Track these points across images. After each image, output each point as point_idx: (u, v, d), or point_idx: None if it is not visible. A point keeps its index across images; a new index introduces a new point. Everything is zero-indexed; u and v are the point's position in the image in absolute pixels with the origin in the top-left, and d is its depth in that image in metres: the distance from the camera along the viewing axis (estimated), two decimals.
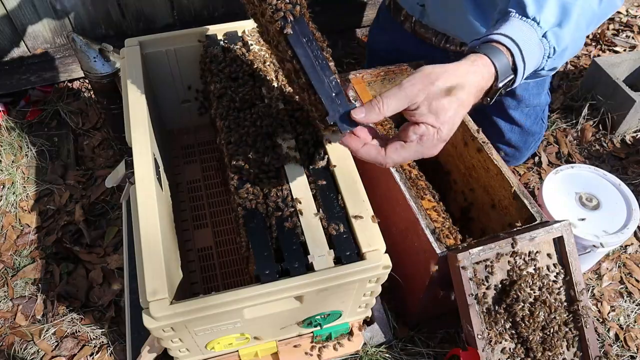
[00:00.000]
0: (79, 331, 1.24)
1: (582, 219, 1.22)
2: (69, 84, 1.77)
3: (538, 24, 0.74)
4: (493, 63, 0.71)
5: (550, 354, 0.97)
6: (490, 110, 1.38)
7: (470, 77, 0.69)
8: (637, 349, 1.27)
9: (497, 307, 0.96)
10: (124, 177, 0.99)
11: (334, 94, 0.68)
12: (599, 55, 2.01)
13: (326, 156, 0.92)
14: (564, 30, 0.74)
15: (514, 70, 0.73)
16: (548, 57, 0.76)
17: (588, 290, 1.37)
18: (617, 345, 1.28)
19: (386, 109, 0.65)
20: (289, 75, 0.81)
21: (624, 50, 2.03)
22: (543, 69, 0.78)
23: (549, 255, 0.99)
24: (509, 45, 0.71)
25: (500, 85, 0.73)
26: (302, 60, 0.68)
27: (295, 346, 1.04)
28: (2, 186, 1.50)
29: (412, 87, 0.66)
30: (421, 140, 0.67)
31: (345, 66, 1.93)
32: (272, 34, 0.75)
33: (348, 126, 0.68)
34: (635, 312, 1.34)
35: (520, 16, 0.74)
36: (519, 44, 0.72)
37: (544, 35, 0.74)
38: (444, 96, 0.66)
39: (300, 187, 0.88)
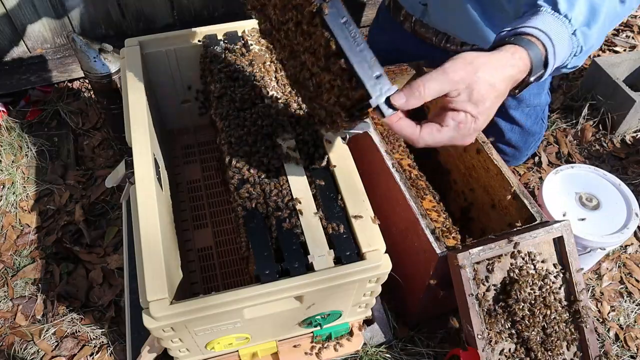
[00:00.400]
0: (79, 331, 1.24)
1: (582, 219, 1.22)
2: (69, 84, 1.77)
3: (569, 21, 0.73)
4: (530, 56, 0.70)
5: (550, 354, 0.96)
6: None
7: (509, 69, 0.69)
8: (637, 349, 1.27)
9: (497, 307, 0.96)
10: (124, 177, 0.99)
11: (375, 76, 0.64)
12: (599, 55, 2.01)
13: (326, 156, 0.92)
14: (592, 30, 0.74)
15: (545, 65, 0.73)
16: (574, 55, 0.75)
17: (588, 290, 1.37)
18: (617, 345, 1.28)
19: (427, 93, 0.64)
20: (295, 74, 0.79)
21: (624, 50, 2.03)
22: (566, 66, 0.77)
23: (549, 255, 0.99)
24: (543, 40, 0.71)
25: (532, 79, 0.73)
26: (340, 42, 0.64)
27: (295, 346, 1.04)
28: (2, 186, 1.50)
29: (455, 73, 0.65)
30: (458, 128, 0.67)
31: None
32: (295, 21, 0.71)
33: (391, 109, 0.65)
34: (635, 312, 1.34)
35: (552, 11, 0.74)
36: (553, 39, 0.71)
37: (574, 33, 0.74)
38: (485, 86, 0.66)
39: (300, 187, 0.88)
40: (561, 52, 0.73)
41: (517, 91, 0.75)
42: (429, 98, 0.65)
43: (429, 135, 0.67)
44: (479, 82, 0.65)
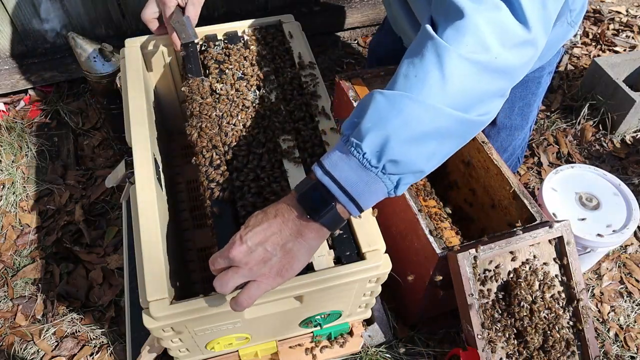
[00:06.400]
0: (79, 331, 1.24)
1: (582, 219, 1.22)
2: (69, 84, 1.77)
3: (342, 133, 0.67)
4: (294, 193, 0.67)
5: (550, 354, 0.97)
6: None
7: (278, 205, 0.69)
8: (637, 349, 1.27)
9: (497, 307, 0.96)
10: (124, 177, 0.99)
11: None
12: (599, 55, 2.01)
13: None
14: (362, 126, 0.62)
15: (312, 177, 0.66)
16: (357, 150, 0.62)
17: (588, 290, 1.37)
18: (617, 345, 1.28)
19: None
20: None
21: (624, 50, 2.04)
22: (373, 167, 0.62)
23: (549, 255, 0.99)
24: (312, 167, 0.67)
25: (300, 188, 0.66)
26: None
27: (295, 346, 1.04)
28: (2, 186, 1.50)
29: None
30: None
31: (345, 66, 1.93)
32: None
33: None
34: (635, 312, 1.34)
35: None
36: (322, 160, 0.65)
37: (347, 140, 0.64)
38: (258, 212, 0.70)
39: None
40: (336, 162, 0.63)
41: (314, 214, 0.65)
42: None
43: (215, 254, 0.69)
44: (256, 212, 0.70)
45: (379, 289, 0.90)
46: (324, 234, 0.68)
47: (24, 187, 1.50)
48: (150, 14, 0.99)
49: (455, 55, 0.61)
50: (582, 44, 2.07)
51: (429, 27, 0.65)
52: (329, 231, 0.67)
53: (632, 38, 2.09)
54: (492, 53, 0.62)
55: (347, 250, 0.81)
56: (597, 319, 1.32)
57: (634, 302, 1.36)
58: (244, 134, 0.94)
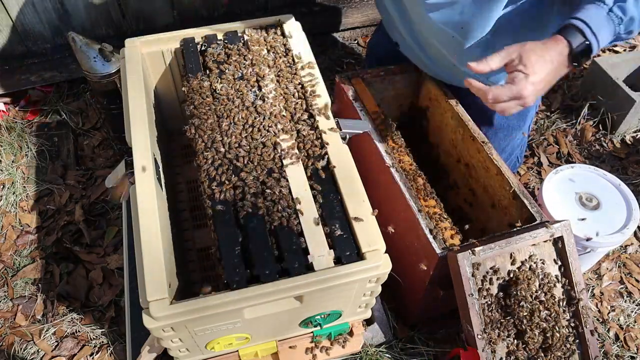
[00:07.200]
0: (79, 331, 1.24)
1: (582, 219, 1.22)
2: (69, 84, 1.77)
3: (603, 2, 0.92)
4: (565, 38, 0.91)
5: (550, 353, 0.96)
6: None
7: (549, 44, 0.91)
8: (637, 349, 1.27)
9: (497, 307, 0.96)
10: (124, 177, 0.99)
11: None
12: (599, 55, 2.01)
13: (326, 156, 0.92)
14: (628, 3, 0.91)
15: (586, 38, 0.91)
16: (619, 24, 0.92)
17: (588, 290, 1.37)
18: (617, 345, 1.28)
19: (493, 60, 0.89)
20: None
21: (624, 50, 2.03)
22: (619, 34, 0.93)
23: (549, 255, 0.99)
24: (576, 23, 0.91)
25: (575, 45, 0.90)
26: None
27: (295, 346, 1.04)
28: (2, 186, 1.50)
29: (510, 47, 0.90)
30: (513, 82, 0.88)
31: (345, 66, 1.93)
32: None
33: None
34: (635, 312, 1.34)
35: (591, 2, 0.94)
36: (587, 21, 0.90)
37: (611, 10, 0.91)
38: (532, 54, 0.88)
39: (300, 187, 0.88)
40: (601, 28, 0.91)
41: (576, 64, 0.92)
42: (494, 65, 0.89)
43: (495, 90, 0.87)
44: (527, 51, 0.89)
45: (379, 289, 0.90)
46: None
47: (24, 187, 1.50)
48: None
49: None
50: None
51: None
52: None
53: (632, 38, 2.09)
54: None
55: (347, 250, 0.81)
56: (597, 319, 1.32)
57: (634, 302, 1.36)
58: (245, 134, 0.94)
